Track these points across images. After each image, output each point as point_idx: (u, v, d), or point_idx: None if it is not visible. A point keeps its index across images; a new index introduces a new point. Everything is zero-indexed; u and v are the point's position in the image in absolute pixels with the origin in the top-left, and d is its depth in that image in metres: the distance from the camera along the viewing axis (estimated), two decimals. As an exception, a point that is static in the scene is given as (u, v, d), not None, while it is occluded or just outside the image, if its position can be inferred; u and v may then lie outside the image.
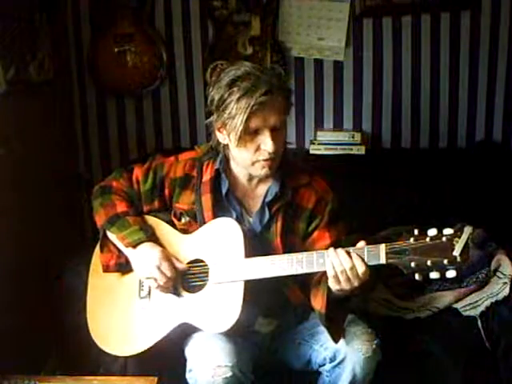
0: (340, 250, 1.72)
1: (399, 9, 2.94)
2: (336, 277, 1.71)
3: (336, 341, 1.83)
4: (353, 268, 1.69)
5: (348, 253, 1.71)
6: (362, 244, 1.74)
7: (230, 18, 2.96)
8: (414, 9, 2.94)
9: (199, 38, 3.02)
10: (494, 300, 2.33)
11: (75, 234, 2.92)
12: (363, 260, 1.70)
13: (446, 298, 2.37)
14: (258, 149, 1.84)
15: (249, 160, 1.86)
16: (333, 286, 1.74)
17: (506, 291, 2.33)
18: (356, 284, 1.71)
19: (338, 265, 1.71)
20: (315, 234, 1.95)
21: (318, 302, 1.82)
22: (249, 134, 1.82)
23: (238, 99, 1.77)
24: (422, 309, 2.34)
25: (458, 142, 3.07)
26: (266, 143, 1.82)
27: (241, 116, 1.77)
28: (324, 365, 1.91)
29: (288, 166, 1.96)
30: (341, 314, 1.85)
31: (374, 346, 1.85)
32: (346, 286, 1.72)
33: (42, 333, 2.45)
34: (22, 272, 2.41)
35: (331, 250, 1.74)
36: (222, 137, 1.90)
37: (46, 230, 2.62)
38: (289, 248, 1.90)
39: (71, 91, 3.07)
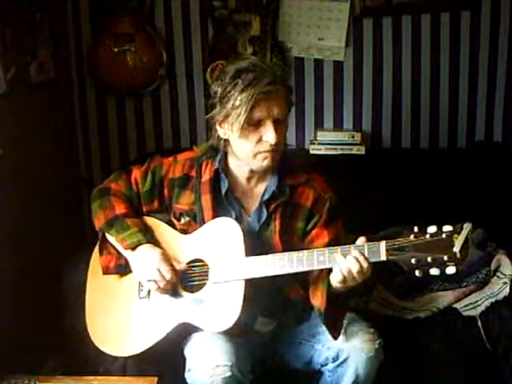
0: (341, 253, 1.73)
1: (399, 9, 2.94)
2: (342, 274, 1.72)
3: (335, 338, 1.84)
4: (358, 267, 1.70)
5: (351, 253, 1.72)
6: (362, 240, 1.74)
7: (230, 18, 2.96)
8: (414, 9, 2.94)
9: (199, 38, 3.03)
10: (493, 300, 2.33)
11: (75, 234, 2.92)
12: (365, 257, 1.71)
13: (446, 298, 2.37)
14: (259, 140, 1.84)
15: (251, 152, 1.86)
16: (336, 281, 1.75)
17: (506, 291, 2.34)
18: (359, 280, 1.73)
19: (345, 267, 1.72)
20: (314, 232, 1.94)
21: (318, 300, 1.82)
22: (252, 125, 1.82)
23: (242, 90, 1.78)
24: (422, 309, 2.34)
25: (458, 142, 3.07)
26: (269, 134, 1.82)
27: (245, 106, 1.77)
28: (326, 364, 1.91)
29: (286, 164, 1.96)
30: (340, 311, 1.85)
31: (376, 346, 1.85)
32: (350, 282, 1.73)
33: (42, 333, 2.44)
34: (22, 272, 2.41)
35: (338, 254, 1.74)
36: (222, 131, 1.90)
37: (46, 230, 2.62)
38: (287, 246, 1.90)
39: (71, 91, 3.07)
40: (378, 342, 1.86)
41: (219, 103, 1.84)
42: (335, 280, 1.74)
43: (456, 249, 1.61)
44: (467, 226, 1.62)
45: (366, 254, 1.71)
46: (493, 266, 2.47)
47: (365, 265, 1.70)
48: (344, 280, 1.72)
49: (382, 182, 2.82)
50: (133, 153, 3.13)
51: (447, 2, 2.95)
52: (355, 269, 1.70)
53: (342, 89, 3.05)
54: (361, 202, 2.68)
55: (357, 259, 1.70)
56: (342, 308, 1.86)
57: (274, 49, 2.95)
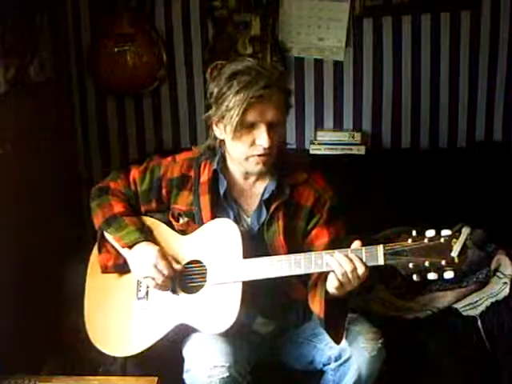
0: (338, 254, 1.72)
1: (399, 9, 2.94)
2: (338, 279, 1.71)
3: (337, 342, 1.83)
4: (354, 270, 1.70)
5: (347, 255, 1.71)
6: (357, 244, 1.74)
7: (230, 18, 2.96)
8: (413, 9, 2.94)
9: (199, 37, 3.02)
10: (494, 300, 2.33)
11: (75, 234, 2.92)
12: (362, 261, 1.70)
13: (446, 298, 2.37)
14: (252, 143, 1.84)
15: (243, 154, 1.87)
16: (331, 287, 1.74)
17: (506, 291, 2.34)
18: (356, 285, 1.72)
19: (338, 268, 1.71)
20: (314, 231, 1.94)
21: (316, 306, 1.82)
22: (245, 128, 1.82)
23: (237, 92, 1.78)
24: (422, 309, 2.35)
25: (458, 142, 3.07)
26: (262, 138, 1.82)
27: (238, 108, 1.77)
28: (329, 364, 1.91)
29: (285, 163, 1.96)
30: (340, 315, 1.84)
31: (379, 345, 1.85)
32: (346, 287, 1.72)
33: (42, 333, 2.44)
34: (22, 272, 2.41)
35: (328, 255, 1.74)
36: (218, 132, 1.91)
37: (45, 229, 2.62)
38: (291, 246, 1.90)
39: (71, 91, 3.07)
40: (380, 341, 1.86)
41: (215, 104, 1.85)
42: (331, 284, 1.74)
43: (454, 253, 1.61)
44: (465, 231, 1.62)
45: (364, 258, 1.71)
46: (493, 266, 2.47)
47: (361, 269, 1.70)
48: (340, 284, 1.71)
49: (382, 181, 2.82)
50: (133, 153, 3.13)
51: (447, 2, 2.95)
52: (351, 273, 1.70)
53: (342, 89, 3.05)
54: (361, 202, 2.68)
55: (353, 263, 1.70)
56: (342, 313, 1.85)
57: (274, 49, 2.95)
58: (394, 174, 2.85)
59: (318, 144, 2.99)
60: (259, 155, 1.85)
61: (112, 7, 2.92)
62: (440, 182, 2.83)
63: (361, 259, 1.70)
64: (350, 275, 1.70)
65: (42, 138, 2.67)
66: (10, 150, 2.36)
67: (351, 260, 1.70)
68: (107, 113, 3.11)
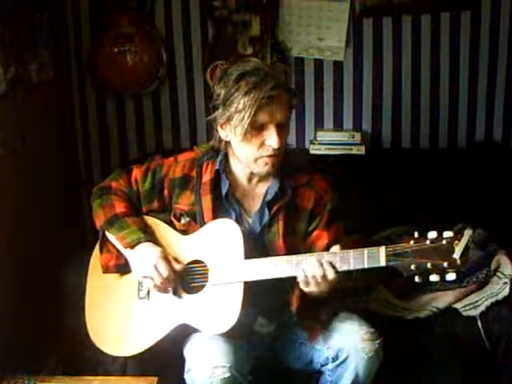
0: (311, 259, 1.75)
1: (399, 9, 2.94)
2: (306, 281, 1.76)
3: (311, 341, 1.87)
4: (324, 276, 1.73)
5: (319, 262, 1.74)
6: (336, 248, 1.77)
7: (230, 18, 2.96)
8: (414, 9, 2.94)
9: (199, 38, 3.02)
10: (493, 300, 2.33)
11: (75, 234, 2.92)
12: (334, 267, 1.73)
13: (446, 297, 2.37)
14: (262, 144, 1.84)
15: (252, 156, 1.86)
16: (302, 287, 1.78)
17: (506, 291, 2.34)
18: (324, 288, 1.76)
19: (309, 271, 1.75)
20: (315, 233, 1.95)
21: (293, 301, 1.87)
22: (255, 129, 1.82)
23: (246, 93, 1.77)
24: (422, 309, 2.34)
25: (458, 142, 3.07)
26: (272, 139, 1.82)
27: (249, 109, 1.77)
28: (326, 364, 1.91)
29: (287, 165, 1.96)
30: (314, 313, 1.87)
31: (376, 346, 1.85)
32: (314, 288, 1.76)
33: (42, 333, 2.44)
34: (22, 272, 2.41)
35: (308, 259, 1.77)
36: (224, 134, 1.90)
37: (45, 229, 2.62)
38: (290, 248, 1.90)
39: (71, 91, 3.07)
40: (377, 341, 1.86)
41: (222, 105, 1.84)
42: (300, 285, 1.78)
43: (456, 255, 1.61)
44: (468, 233, 1.61)
45: (366, 260, 1.71)
46: (493, 266, 2.47)
47: (330, 274, 1.73)
48: (310, 284, 1.76)
49: (382, 182, 2.82)
50: (133, 153, 3.12)
51: (447, 2, 2.95)
52: (319, 276, 1.73)
53: (342, 89, 3.05)
54: (361, 201, 2.68)
55: (322, 267, 1.73)
56: (316, 312, 1.88)
57: (273, 49, 2.95)
58: (394, 174, 2.85)
59: (318, 144, 2.99)
60: (268, 156, 1.85)
61: (112, 7, 2.92)
62: (440, 182, 2.83)
63: (332, 265, 1.73)
64: (319, 280, 1.74)
65: (42, 138, 2.67)
66: (9, 150, 2.36)
67: (322, 266, 1.74)
68: (107, 113, 3.11)
